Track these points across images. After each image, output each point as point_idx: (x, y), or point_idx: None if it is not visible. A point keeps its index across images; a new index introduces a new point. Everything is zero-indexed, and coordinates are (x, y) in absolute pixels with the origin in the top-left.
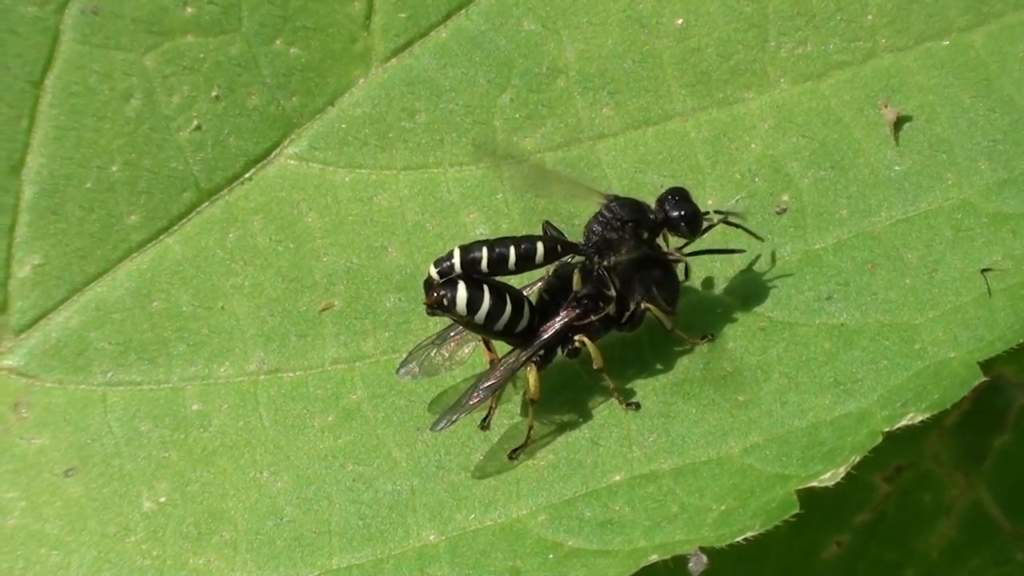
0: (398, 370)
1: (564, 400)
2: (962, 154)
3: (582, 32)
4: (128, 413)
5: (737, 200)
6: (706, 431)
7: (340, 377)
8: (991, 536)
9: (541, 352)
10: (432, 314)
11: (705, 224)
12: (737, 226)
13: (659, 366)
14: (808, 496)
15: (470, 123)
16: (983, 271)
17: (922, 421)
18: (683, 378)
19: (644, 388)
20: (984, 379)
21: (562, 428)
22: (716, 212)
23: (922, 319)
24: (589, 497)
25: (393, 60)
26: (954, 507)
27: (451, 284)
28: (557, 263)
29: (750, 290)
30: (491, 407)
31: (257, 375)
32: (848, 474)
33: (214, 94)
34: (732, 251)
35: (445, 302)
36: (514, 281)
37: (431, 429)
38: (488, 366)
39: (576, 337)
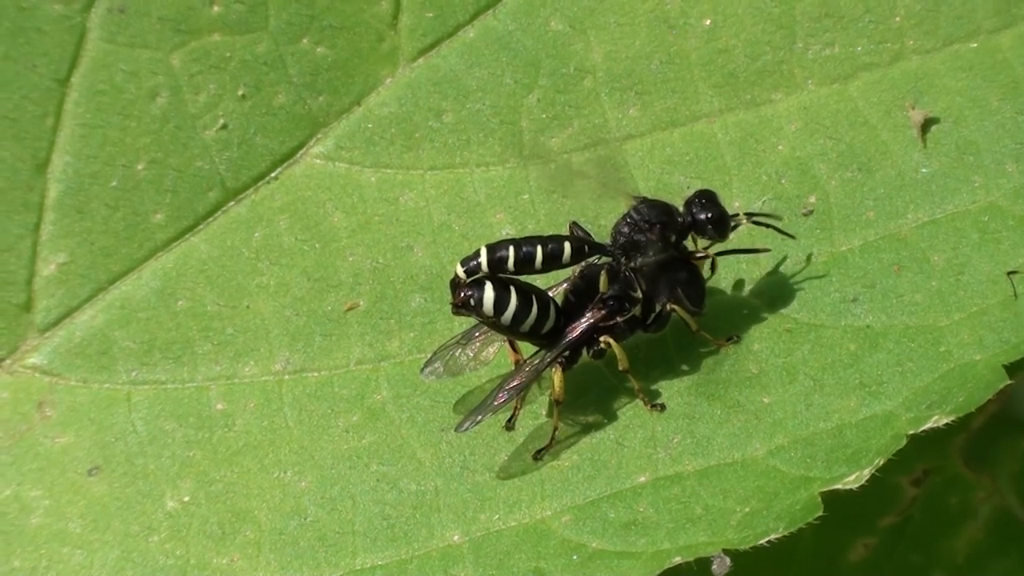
0: (423, 370)
1: (589, 401)
2: (989, 157)
3: (609, 32)
4: (152, 412)
5: (764, 202)
6: (731, 433)
7: (365, 377)
8: (1018, 539)
9: (566, 353)
10: (458, 314)
11: (733, 224)
12: (767, 226)
13: (684, 367)
14: (833, 499)
15: (497, 123)
16: (1009, 274)
17: (948, 424)
18: (708, 380)
19: (669, 389)
20: (1010, 382)
21: (587, 429)
22: (746, 214)
23: (948, 321)
24: (613, 498)
25: (420, 60)
26: (981, 510)
27: (478, 284)
28: (583, 264)
29: (776, 292)
30: (516, 408)
31: (282, 374)
32: (874, 477)
33: (240, 93)
34: (759, 250)
35: (472, 302)
36: (539, 281)
37: (456, 429)
38: (513, 367)
39: (601, 338)
